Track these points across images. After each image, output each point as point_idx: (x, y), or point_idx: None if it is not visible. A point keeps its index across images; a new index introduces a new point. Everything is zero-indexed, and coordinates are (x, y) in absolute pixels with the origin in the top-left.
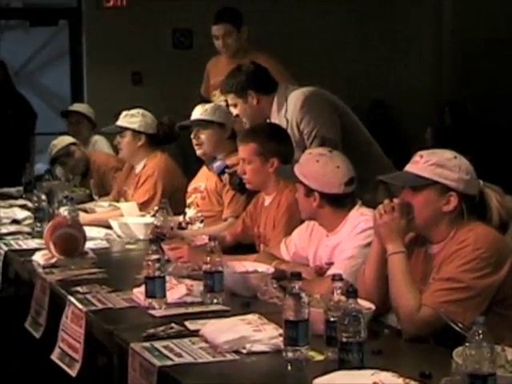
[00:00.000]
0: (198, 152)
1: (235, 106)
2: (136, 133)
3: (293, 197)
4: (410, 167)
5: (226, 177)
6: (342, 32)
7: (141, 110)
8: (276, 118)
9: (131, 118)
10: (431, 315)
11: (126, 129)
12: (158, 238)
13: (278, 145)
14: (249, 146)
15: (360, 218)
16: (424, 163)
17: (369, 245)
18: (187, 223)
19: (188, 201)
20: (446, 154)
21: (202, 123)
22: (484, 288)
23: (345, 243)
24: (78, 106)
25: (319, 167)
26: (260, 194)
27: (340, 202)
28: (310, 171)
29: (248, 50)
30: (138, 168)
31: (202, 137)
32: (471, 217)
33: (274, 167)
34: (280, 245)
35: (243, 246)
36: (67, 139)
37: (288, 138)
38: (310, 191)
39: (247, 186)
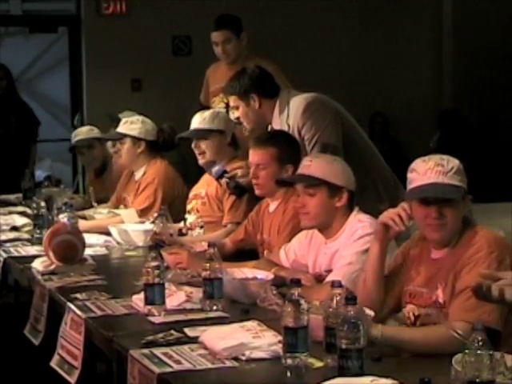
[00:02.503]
0: (201, 162)
1: (237, 108)
2: (136, 139)
3: None
4: (437, 178)
5: (224, 181)
6: (341, 43)
7: (141, 117)
8: (277, 123)
9: (131, 125)
10: (469, 330)
11: (126, 135)
12: (157, 244)
13: (294, 152)
14: (268, 150)
15: (358, 225)
16: (449, 172)
17: (367, 251)
18: (188, 229)
19: (188, 207)
20: (455, 160)
21: (202, 133)
22: None
23: (343, 250)
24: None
25: (343, 166)
26: (263, 200)
27: (353, 203)
28: (334, 171)
29: (248, 56)
30: (138, 175)
31: (203, 146)
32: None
33: (288, 174)
34: (280, 251)
35: (245, 252)
36: (94, 133)
37: (299, 147)
38: (336, 190)
39: (257, 191)
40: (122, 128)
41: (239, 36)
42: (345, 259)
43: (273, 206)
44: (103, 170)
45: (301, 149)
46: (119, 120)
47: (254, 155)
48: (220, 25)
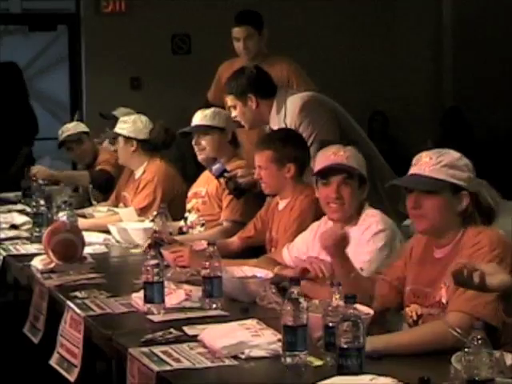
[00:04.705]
0: (200, 158)
1: (234, 107)
2: (127, 138)
3: (307, 203)
4: (420, 169)
5: (223, 180)
6: (341, 42)
7: (133, 116)
8: (275, 123)
9: (123, 124)
10: (465, 321)
11: (118, 135)
12: (156, 243)
13: (293, 150)
14: (264, 153)
15: (370, 219)
16: (435, 165)
17: (384, 247)
18: (188, 227)
19: (188, 205)
20: (454, 154)
21: (203, 129)
22: None
23: (360, 246)
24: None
25: (361, 156)
26: (272, 199)
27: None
28: (358, 161)
29: (267, 54)
30: (138, 173)
31: (204, 143)
32: (478, 216)
33: (290, 173)
34: (283, 249)
35: (252, 249)
36: (81, 127)
37: (304, 143)
38: (363, 180)
39: (265, 191)
40: (116, 127)
41: (260, 32)
42: (364, 257)
43: (282, 204)
44: (93, 165)
45: (306, 146)
46: (113, 118)
47: (255, 157)
48: (242, 20)
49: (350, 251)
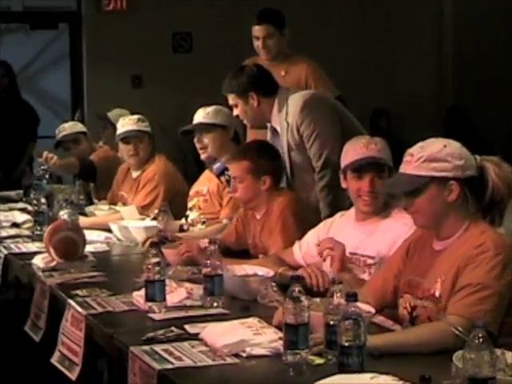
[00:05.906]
0: (203, 156)
1: (236, 106)
2: (150, 137)
3: (284, 203)
4: (403, 168)
5: (224, 178)
6: (343, 40)
7: (137, 115)
8: (277, 121)
9: (144, 123)
10: (464, 326)
11: (145, 133)
12: (160, 241)
13: (269, 162)
14: (241, 163)
15: (404, 228)
16: (416, 161)
17: None
18: (189, 225)
19: (190, 204)
20: (436, 146)
21: (205, 127)
22: (506, 294)
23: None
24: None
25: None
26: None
27: None
28: (388, 153)
29: (288, 54)
30: (136, 173)
31: (206, 141)
32: (477, 207)
33: (266, 185)
34: (294, 245)
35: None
36: (78, 127)
37: (279, 156)
38: (391, 171)
39: (238, 202)
40: (139, 126)
41: (281, 32)
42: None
43: (258, 215)
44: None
45: (280, 158)
46: (105, 118)
47: (230, 168)
48: (262, 19)
49: (384, 240)
